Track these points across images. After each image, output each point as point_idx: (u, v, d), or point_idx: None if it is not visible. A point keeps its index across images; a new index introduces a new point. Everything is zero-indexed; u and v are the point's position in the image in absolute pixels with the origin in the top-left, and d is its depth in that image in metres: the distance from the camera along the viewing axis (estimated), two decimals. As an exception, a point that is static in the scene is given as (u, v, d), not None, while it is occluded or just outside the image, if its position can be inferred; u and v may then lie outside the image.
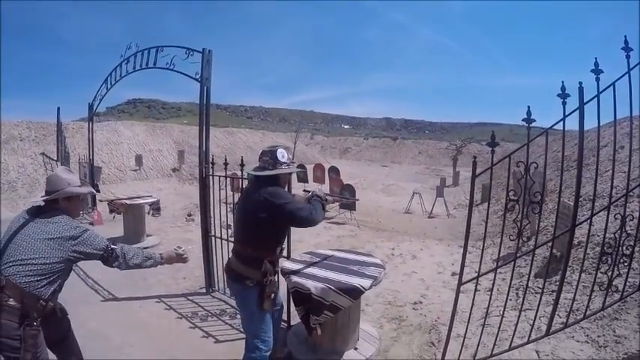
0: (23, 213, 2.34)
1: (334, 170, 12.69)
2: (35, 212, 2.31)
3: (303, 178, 12.48)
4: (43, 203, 2.36)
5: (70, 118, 15.10)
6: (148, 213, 7.15)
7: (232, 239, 3.66)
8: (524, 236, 2.60)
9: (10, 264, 2.07)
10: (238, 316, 3.94)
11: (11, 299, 2.01)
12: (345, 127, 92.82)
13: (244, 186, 3.09)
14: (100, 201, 7.69)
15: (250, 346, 2.62)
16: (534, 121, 2.48)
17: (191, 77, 4.30)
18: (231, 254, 2.74)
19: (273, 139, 29.15)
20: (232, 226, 2.94)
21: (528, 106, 2.49)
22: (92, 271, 4.91)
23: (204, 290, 4.63)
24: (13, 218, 2.34)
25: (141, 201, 6.91)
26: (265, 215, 2.43)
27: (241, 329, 3.65)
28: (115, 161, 14.56)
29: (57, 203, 2.37)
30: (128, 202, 6.72)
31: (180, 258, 2.67)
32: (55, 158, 12.21)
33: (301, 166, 10.87)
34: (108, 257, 2.33)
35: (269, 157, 2.55)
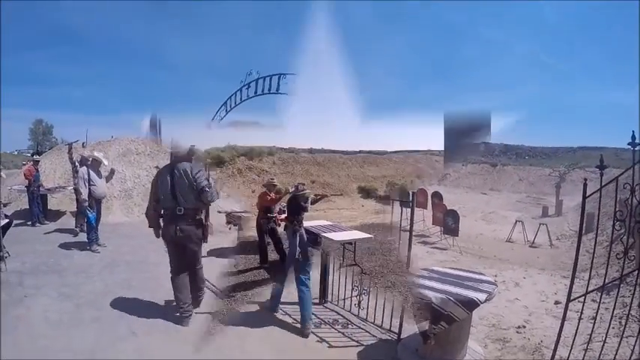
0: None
1: (437, 195, 12.30)
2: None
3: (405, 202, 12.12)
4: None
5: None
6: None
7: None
8: (629, 259, 2.70)
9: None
10: (350, 325, 4.34)
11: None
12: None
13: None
14: (219, 212, 8.24)
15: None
16: (639, 144, 2.64)
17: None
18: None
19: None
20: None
21: (633, 131, 2.67)
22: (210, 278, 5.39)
23: (317, 300, 4.94)
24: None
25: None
26: None
27: (353, 337, 4.06)
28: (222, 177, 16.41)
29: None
30: (244, 215, 7.50)
31: None
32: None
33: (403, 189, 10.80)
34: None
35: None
